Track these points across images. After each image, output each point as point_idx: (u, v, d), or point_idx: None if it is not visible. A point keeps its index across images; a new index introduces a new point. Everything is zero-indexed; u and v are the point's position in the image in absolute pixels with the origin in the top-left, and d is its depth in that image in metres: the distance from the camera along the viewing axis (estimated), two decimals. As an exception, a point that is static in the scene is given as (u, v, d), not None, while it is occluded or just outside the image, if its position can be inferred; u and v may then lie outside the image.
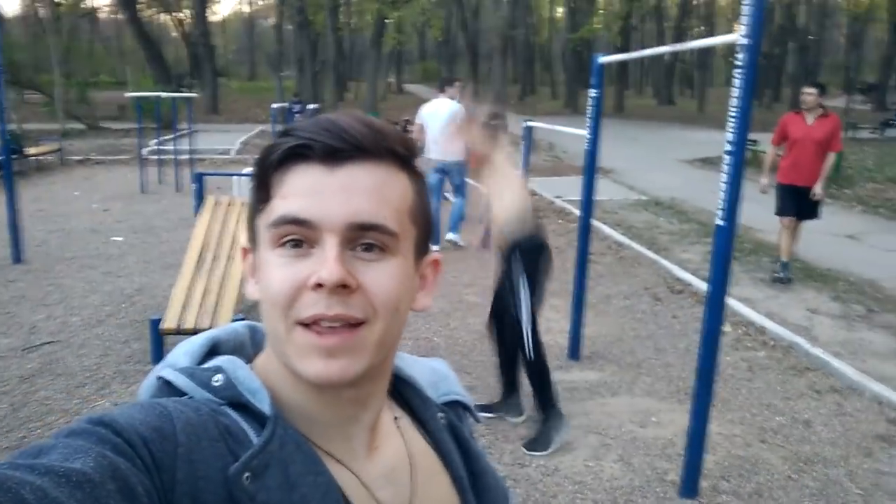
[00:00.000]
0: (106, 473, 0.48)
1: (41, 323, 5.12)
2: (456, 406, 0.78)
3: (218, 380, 0.61)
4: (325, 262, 0.58)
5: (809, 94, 6.38)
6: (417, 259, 0.65)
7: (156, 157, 12.52)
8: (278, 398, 0.62)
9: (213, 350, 0.67)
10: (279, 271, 0.59)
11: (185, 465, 0.53)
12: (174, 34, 46.69)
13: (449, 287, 5.87)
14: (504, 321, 3.79)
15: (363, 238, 0.60)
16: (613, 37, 34.85)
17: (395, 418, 0.71)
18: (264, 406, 0.60)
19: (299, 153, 0.60)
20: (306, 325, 0.59)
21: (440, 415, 0.75)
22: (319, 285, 0.57)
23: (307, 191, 0.59)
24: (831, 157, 6.32)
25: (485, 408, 3.83)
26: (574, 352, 4.64)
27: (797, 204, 6.38)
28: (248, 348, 0.70)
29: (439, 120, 7.04)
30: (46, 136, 15.84)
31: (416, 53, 69.21)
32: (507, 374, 3.85)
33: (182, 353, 0.66)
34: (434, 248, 0.70)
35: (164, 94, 13.24)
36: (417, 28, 41.01)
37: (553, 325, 5.05)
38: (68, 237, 7.85)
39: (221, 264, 4.77)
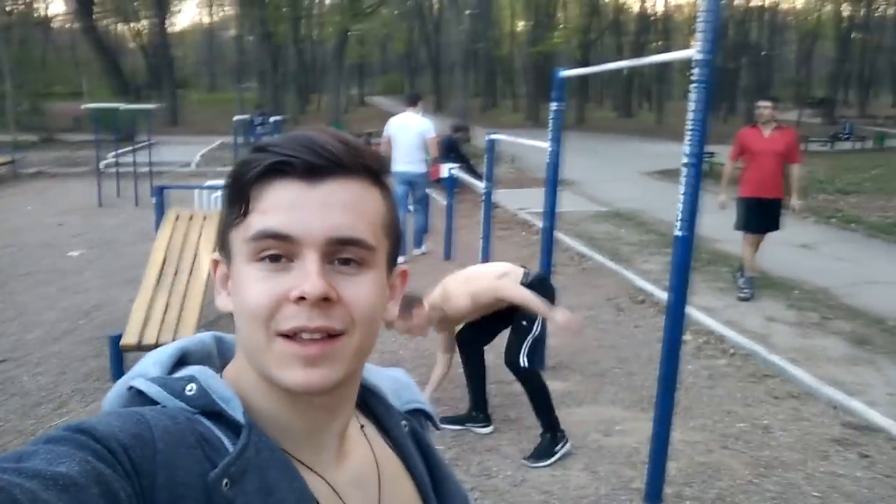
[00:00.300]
0: (90, 478, 0.49)
1: (-6, 341, 4.97)
2: (418, 414, 0.81)
3: (191, 389, 0.62)
4: (308, 277, 0.59)
5: (765, 107, 6.40)
6: (388, 271, 0.68)
7: (114, 169, 12.27)
8: (250, 407, 0.63)
9: (181, 360, 0.68)
10: (258, 284, 0.60)
11: (164, 471, 0.54)
12: (132, 45, 45.89)
13: (414, 299, 5.86)
14: (470, 335, 3.84)
15: (342, 252, 0.61)
16: (573, 51, 35.44)
17: (362, 426, 0.74)
18: (238, 414, 0.61)
19: (279, 169, 0.61)
20: (286, 335, 0.60)
21: (403, 422, 0.77)
22: (302, 298, 0.59)
23: (287, 206, 0.60)
24: (796, 169, 6.33)
25: (452, 420, 3.83)
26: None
27: (761, 217, 6.36)
28: (215, 358, 0.71)
29: (409, 133, 7.29)
30: (-2, 148, 15.43)
31: (378, 66, 69.28)
32: (474, 387, 3.86)
33: (151, 363, 0.66)
34: (401, 258, 0.72)
35: (122, 106, 13.01)
36: (380, 41, 41.11)
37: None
38: (22, 252, 7.65)
39: (183, 279, 4.69)
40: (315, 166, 0.61)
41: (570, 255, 8.07)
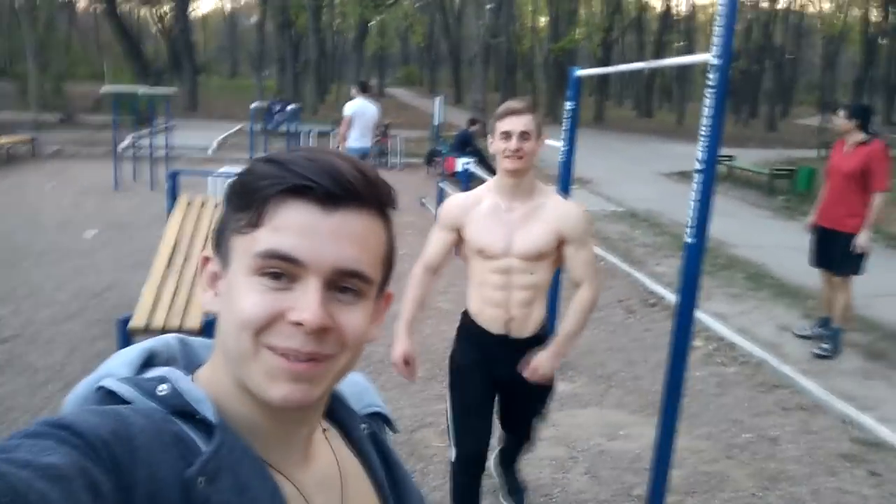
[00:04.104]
0: (76, 470, 0.50)
1: (6, 318, 5.01)
2: (376, 417, 0.85)
3: (163, 389, 0.63)
4: (309, 306, 0.61)
5: (838, 116, 5.25)
6: (377, 297, 0.70)
7: (131, 152, 12.34)
8: (221, 409, 0.64)
9: (147, 361, 0.68)
10: (255, 296, 0.62)
11: (143, 467, 0.55)
12: (154, 29, 46.16)
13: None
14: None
15: (343, 282, 0.64)
16: (594, 48, 35.17)
17: (324, 430, 0.76)
18: (209, 414, 0.62)
19: (297, 190, 0.62)
20: (274, 350, 0.62)
21: (363, 426, 0.80)
22: (299, 324, 0.61)
23: (301, 230, 0.62)
24: (876, 198, 4.93)
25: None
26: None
27: (822, 250, 5.30)
28: (179, 361, 0.72)
29: (366, 116, 9.03)
30: (19, 126, 15.56)
31: (398, 57, 69.21)
32: None
33: (120, 363, 0.67)
34: None
35: (141, 89, 13.07)
36: (400, 32, 41.05)
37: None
38: (37, 231, 7.71)
39: (192, 265, 4.70)
40: (333, 195, 0.62)
41: (583, 254, 8.01)
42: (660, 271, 7.39)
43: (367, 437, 0.80)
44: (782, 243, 9.05)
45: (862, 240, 4.96)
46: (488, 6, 23.64)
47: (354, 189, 0.63)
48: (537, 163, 2.54)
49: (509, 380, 2.56)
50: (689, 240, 2.86)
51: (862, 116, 5.17)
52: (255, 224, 0.62)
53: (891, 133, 26.21)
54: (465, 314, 2.66)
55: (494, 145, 2.44)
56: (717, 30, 2.69)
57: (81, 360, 4.40)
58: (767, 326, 5.78)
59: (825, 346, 5.18)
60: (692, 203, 2.84)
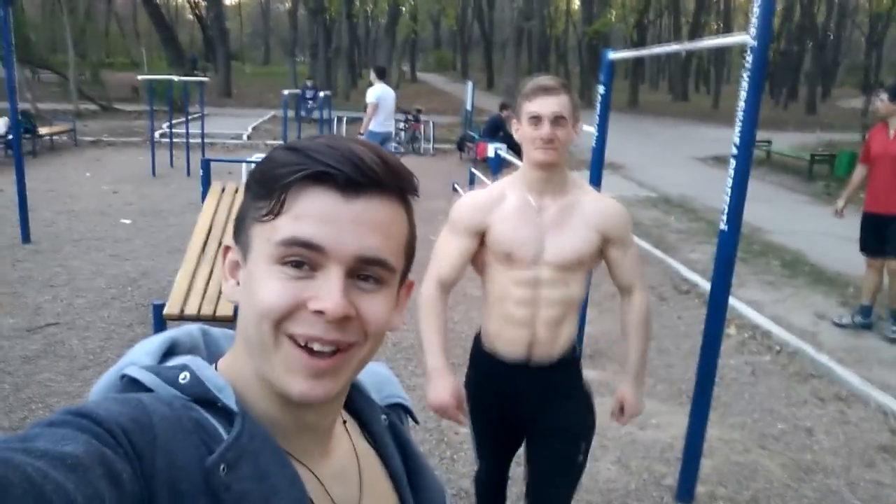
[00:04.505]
0: (94, 458, 0.50)
1: (47, 304, 5.15)
2: (397, 408, 0.84)
3: (185, 377, 0.63)
4: (331, 294, 0.61)
5: (880, 99, 5.18)
6: (400, 285, 0.69)
7: (167, 140, 12.54)
8: (242, 398, 0.65)
9: (169, 350, 0.69)
10: (277, 284, 0.61)
11: (163, 455, 0.55)
12: (189, 16, 46.67)
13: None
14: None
15: (365, 270, 0.63)
16: (629, 31, 34.59)
17: (344, 422, 0.76)
18: (231, 402, 0.63)
19: (318, 177, 0.61)
20: (295, 339, 0.62)
21: (383, 417, 0.80)
22: (321, 312, 0.60)
23: (322, 217, 0.61)
24: None
25: None
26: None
27: (879, 238, 5.22)
28: (202, 350, 0.73)
29: (388, 100, 9.22)
30: (60, 116, 15.90)
31: (430, 42, 68.97)
32: None
33: (143, 352, 0.68)
34: None
35: (176, 78, 13.25)
36: (432, 16, 40.85)
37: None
38: (77, 218, 7.89)
39: (226, 252, 4.77)
40: (355, 182, 0.61)
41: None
42: (693, 258, 7.28)
43: (387, 429, 0.79)
44: (820, 229, 8.83)
45: None
46: (521, -11, 23.41)
47: (376, 176, 0.62)
48: (570, 148, 2.09)
49: (531, 418, 2.10)
50: (723, 227, 2.82)
51: None
52: (275, 212, 0.61)
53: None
54: (478, 340, 2.18)
55: (521, 131, 1.95)
56: (755, 9, 2.62)
57: (118, 345, 4.50)
58: (803, 314, 5.66)
59: (855, 319, 5.33)
60: (727, 189, 2.79)
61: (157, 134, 12.33)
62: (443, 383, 1.99)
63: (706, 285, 5.96)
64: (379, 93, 9.03)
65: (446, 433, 3.61)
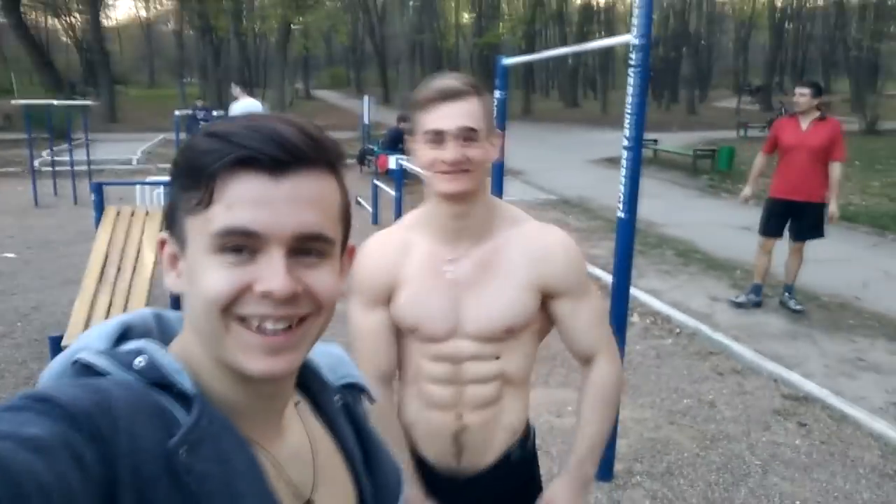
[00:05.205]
0: (58, 441, 0.50)
1: (-74, 348, 4.75)
2: (352, 388, 0.83)
3: (140, 361, 0.62)
4: (276, 275, 0.60)
5: (802, 94, 5.42)
6: (341, 253, 0.70)
7: (50, 168, 11.83)
8: (196, 382, 0.64)
9: (123, 335, 0.68)
10: (219, 273, 0.61)
11: (125, 438, 0.55)
12: (65, 40, 44.25)
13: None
14: None
15: (306, 246, 0.63)
16: (518, 41, 35.67)
17: (296, 403, 0.75)
18: (188, 386, 0.62)
19: (243, 161, 0.60)
20: (247, 321, 0.61)
21: (337, 397, 0.79)
22: (268, 293, 0.60)
23: (254, 202, 0.60)
24: (837, 168, 5.35)
25: None
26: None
27: (785, 223, 5.57)
28: (155, 334, 0.71)
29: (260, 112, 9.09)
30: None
31: (323, 60, 68.45)
32: None
33: (95, 336, 0.66)
34: None
35: (56, 102, 12.53)
36: (324, 33, 40.65)
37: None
38: (-47, 256, 7.31)
39: (126, 276, 4.57)
40: (281, 161, 0.61)
41: (520, 242, 8.15)
42: (594, 253, 7.58)
43: (341, 410, 0.79)
44: (708, 220, 9.44)
45: (835, 207, 5.41)
46: (412, 3, 23.67)
47: (301, 152, 0.61)
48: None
49: None
50: (620, 215, 2.98)
51: (819, 94, 5.48)
52: (206, 202, 0.60)
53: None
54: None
55: (419, 154, 1.41)
56: (637, 10, 2.80)
57: (13, 384, 4.21)
58: (699, 298, 6.03)
59: (797, 305, 5.67)
60: (622, 180, 2.96)
61: (36, 162, 11.62)
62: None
63: (608, 278, 6.23)
64: (245, 106, 9.11)
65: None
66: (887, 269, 7.07)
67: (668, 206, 10.33)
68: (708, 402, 4.07)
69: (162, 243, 0.67)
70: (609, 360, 1.56)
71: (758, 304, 5.78)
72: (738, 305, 5.76)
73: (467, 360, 1.48)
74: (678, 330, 5.25)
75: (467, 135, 1.36)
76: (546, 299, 1.51)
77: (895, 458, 3.47)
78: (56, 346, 4.08)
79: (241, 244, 0.60)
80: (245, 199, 0.60)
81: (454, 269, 1.47)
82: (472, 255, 1.47)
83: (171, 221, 0.65)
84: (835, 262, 7.08)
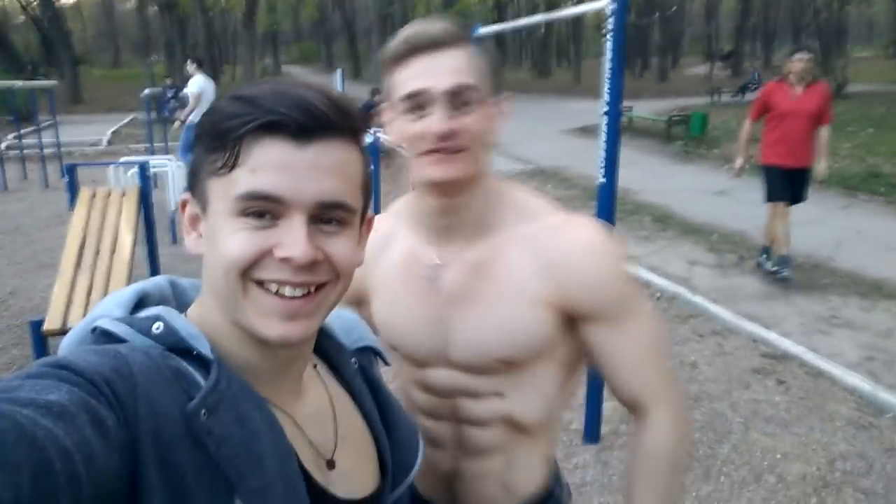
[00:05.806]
0: (79, 406, 0.50)
1: None
2: (367, 351, 0.86)
3: (158, 327, 0.63)
4: (297, 242, 0.61)
5: (802, 59, 5.24)
6: (361, 223, 0.70)
7: (16, 152, 11.56)
8: (215, 347, 0.64)
9: (140, 302, 0.69)
10: (240, 235, 0.61)
11: (144, 402, 0.55)
12: (21, 18, 42.87)
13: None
14: None
15: (327, 214, 0.63)
16: (489, 12, 35.32)
17: (315, 366, 0.77)
18: (206, 350, 0.63)
19: (268, 126, 0.60)
20: (265, 285, 0.62)
21: (353, 360, 0.81)
22: (288, 259, 0.61)
23: (278, 167, 0.61)
24: (825, 131, 5.32)
25: None
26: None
27: (789, 187, 5.39)
28: (171, 301, 0.72)
29: (208, 92, 8.99)
30: None
31: (291, 34, 67.31)
32: None
33: (113, 304, 0.67)
34: None
35: (19, 83, 12.20)
36: (292, 7, 39.88)
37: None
38: (-79, 244, 7.15)
39: (105, 258, 4.51)
40: (307, 128, 0.61)
41: (499, 213, 8.17)
42: (573, 222, 7.64)
43: (357, 371, 0.81)
44: (683, 186, 9.53)
45: (825, 166, 5.43)
46: (380, -26, 23.33)
47: (327, 119, 0.62)
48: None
49: None
50: (601, 179, 3.00)
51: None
52: (231, 165, 0.61)
53: (772, 74, 27.75)
54: None
55: (395, 129, 1.04)
56: (612, -25, 2.79)
57: (-7, 370, 4.17)
58: (677, 263, 6.11)
59: (784, 272, 5.45)
60: (602, 145, 2.97)
61: (2, 146, 11.34)
62: None
63: (588, 246, 6.29)
64: (201, 83, 9.01)
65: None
66: (859, 228, 7.22)
67: (644, 173, 10.40)
68: (689, 364, 4.16)
69: (184, 204, 0.68)
70: (668, 416, 1.11)
71: (784, 279, 5.42)
72: (784, 279, 5.43)
73: (460, 395, 1.12)
74: (658, 294, 5.33)
75: (460, 96, 0.99)
76: (573, 322, 1.07)
77: (869, 411, 3.59)
78: (37, 330, 4.02)
79: (263, 209, 0.61)
80: (269, 164, 0.60)
81: (439, 277, 1.08)
82: (464, 259, 1.08)
83: (194, 182, 0.66)
84: (808, 223, 7.20)
